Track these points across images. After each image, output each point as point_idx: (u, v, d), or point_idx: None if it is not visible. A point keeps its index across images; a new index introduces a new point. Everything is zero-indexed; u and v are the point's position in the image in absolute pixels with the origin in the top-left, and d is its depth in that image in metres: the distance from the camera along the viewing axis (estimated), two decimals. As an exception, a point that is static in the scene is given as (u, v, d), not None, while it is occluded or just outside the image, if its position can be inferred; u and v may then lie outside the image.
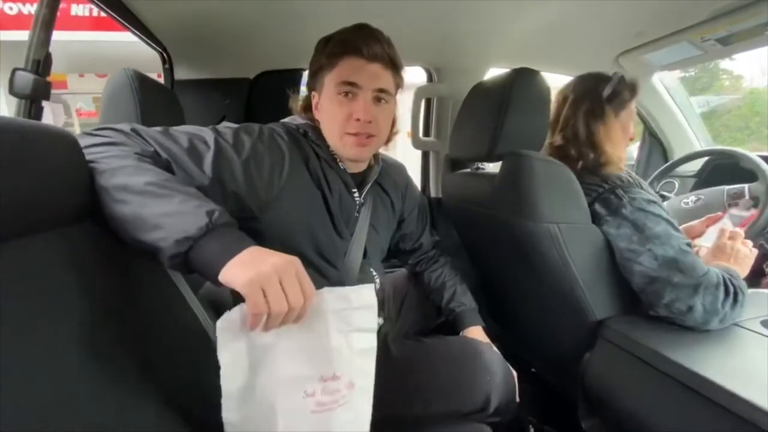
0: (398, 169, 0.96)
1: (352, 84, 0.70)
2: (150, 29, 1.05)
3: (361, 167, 0.83)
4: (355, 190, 0.81)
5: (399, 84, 0.77)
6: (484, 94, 0.93)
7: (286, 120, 0.81)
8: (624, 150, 0.88)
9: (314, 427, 0.47)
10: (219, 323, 0.43)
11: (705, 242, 0.99)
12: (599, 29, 1.13)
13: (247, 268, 0.44)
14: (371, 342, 0.51)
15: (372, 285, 0.51)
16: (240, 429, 0.45)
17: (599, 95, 0.88)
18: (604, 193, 0.82)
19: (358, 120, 0.70)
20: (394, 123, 0.82)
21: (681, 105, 1.58)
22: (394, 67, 0.74)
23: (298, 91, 1.40)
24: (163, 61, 1.19)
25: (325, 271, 0.77)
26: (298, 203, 0.71)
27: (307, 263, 0.74)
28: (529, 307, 0.98)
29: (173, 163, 0.58)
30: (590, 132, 0.88)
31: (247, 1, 0.99)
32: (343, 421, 0.48)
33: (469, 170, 1.13)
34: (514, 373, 0.79)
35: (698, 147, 1.63)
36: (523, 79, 0.84)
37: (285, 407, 0.44)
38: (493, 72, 1.37)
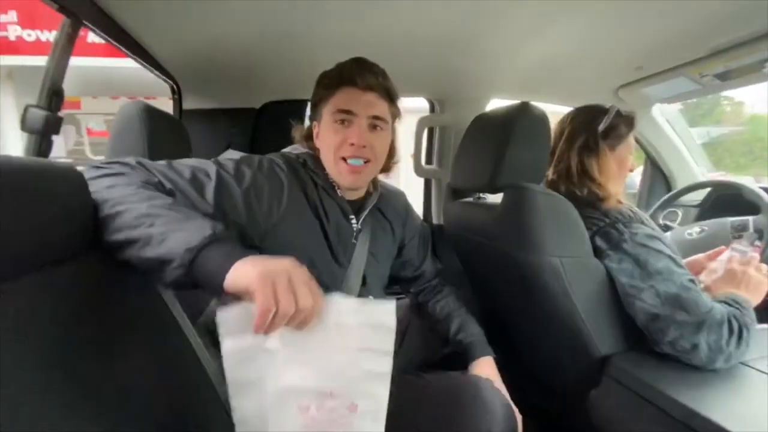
0: (398, 196, 0.98)
1: (347, 111, 0.74)
2: (160, 62, 1.09)
3: (359, 194, 0.85)
4: (352, 216, 0.82)
5: (395, 114, 0.81)
6: (486, 127, 0.94)
7: (286, 150, 0.85)
8: (621, 184, 0.88)
9: None
10: (220, 314, 0.42)
11: (708, 277, 0.97)
12: (599, 63, 1.15)
13: (257, 265, 0.44)
14: (385, 366, 0.46)
15: (394, 301, 0.49)
16: (242, 414, 0.43)
17: (594, 129, 0.88)
18: (604, 227, 0.82)
19: (353, 145, 0.74)
20: (392, 152, 0.85)
21: (681, 134, 1.59)
22: (389, 97, 0.78)
23: (302, 122, 1.44)
24: (173, 92, 1.23)
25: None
26: (297, 231, 0.73)
27: None
28: (533, 338, 0.96)
29: (177, 193, 0.60)
30: (584, 167, 0.88)
31: (254, 36, 1.03)
32: None
33: (470, 199, 1.13)
34: (518, 414, 0.76)
35: (699, 176, 1.63)
36: (525, 114, 0.85)
37: (276, 417, 0.41)
38: (495, 103, 1.40)
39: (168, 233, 0.48)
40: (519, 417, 0.77)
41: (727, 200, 1.46)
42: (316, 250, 0.76)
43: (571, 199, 0.83)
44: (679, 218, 1.57)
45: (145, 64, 1.05)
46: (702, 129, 1.83)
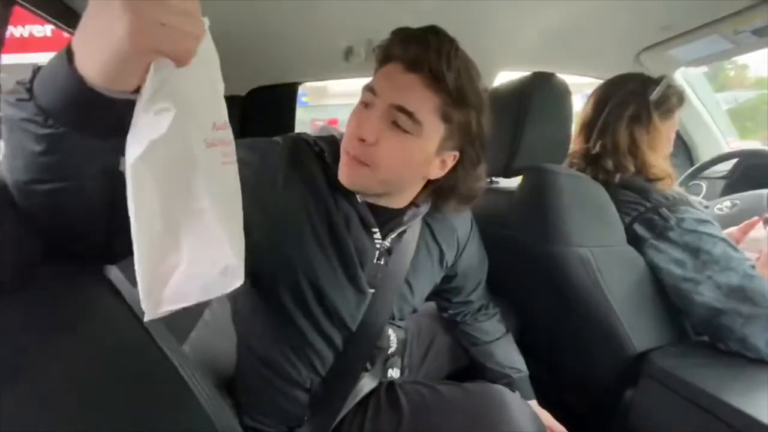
0: (464, 221, 0.75)
1: (370, 89, 0.55)
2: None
3: (392, 201, 0.63)
4: (375, 230, 0.63)
5: (447, 115, 0.54)
6: (498, 102, 0.83)
7: (316, 133, 0.67)
8: (669, 164, 0.78)
9: (229, 184, 0.37)
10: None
11: (748, 252, 0.88)
12: (620, 24, 1.03)
13: (115, 34, 0.27)
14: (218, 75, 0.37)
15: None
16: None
17: (646, 99, 0.78)
18: (645, 213, 0.72)
19: (353, 133, 0.54)
20: (456, 185, 0.61)
21: (705, 101, 1.47)
22: (442, 87, 0.52)
23: (294, 107, 1.34)
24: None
25: (331, 335, 0.63)
26: (295, 243, 0.58)
27: (313, 324, 0.62)
28: (560, 335, 0.87)
29: None
30: (633, 140, 0.78)
31: (235, 15, 0.92)
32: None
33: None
34: (556, 427, 0.68)
35: (725, 146, 1.52)
36: (543, 85, 0.76)
37: (200, 163, 0.33)
38: (503, 77, 1.28)
39: None
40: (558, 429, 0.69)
41: (756, 171, 1.35)
42: (321, 265, 0.59)
43: (608, 179, 0.74)
44: (704, 191, 1.46)
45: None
46: (729, 94, 1.70)
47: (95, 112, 0.30)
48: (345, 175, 0.56)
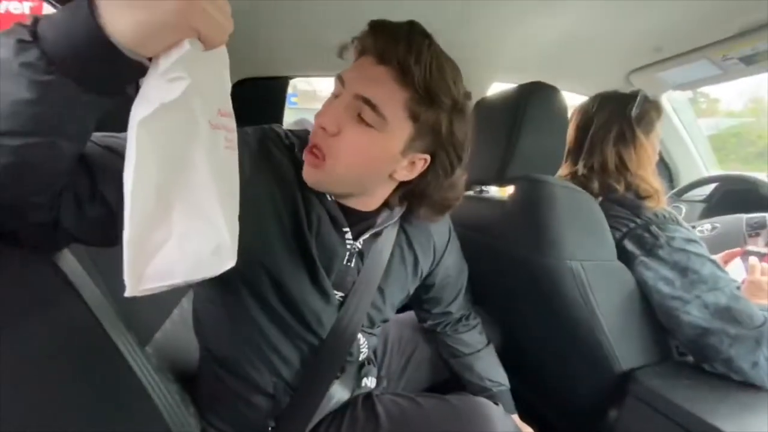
0: (442, 229, 0.73)
1: (339, 78, 0.53)
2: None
3: (363, 203, 0.60)
4: (346, 229, 0.60)
5: (415, 113, 0.51)
6: (493, 111, 0.83)
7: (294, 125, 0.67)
8: (657, 179, 0.78)
9: (229, 168, 0.38)
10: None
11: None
12: (613, 43, 1.04)
13: (162, 8, 0.30)
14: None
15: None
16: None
17: (628, 117, 0.78)
18: (635, 229, 0.71)
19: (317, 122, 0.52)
20: (424, 190, 0.58)
21: (688, 125, 1.51)
22: (411, 82, 0.49)
23: (283, 101, 1.30)
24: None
25: (299, 339, 0.60)
26: (258, 231, 0.53)
27: (277, 325, 0.58)
28: (544, 350, 0.85)
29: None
30: (621, 160, 0.78)
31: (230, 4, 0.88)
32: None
33: (472, 193, 1.02)
34: None
35: (704, 171, 1.56)
36: (539, 95, 0.74)
37: (203, 140, 0.34)
38: (496, 88, 1.28)
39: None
40: None
41: (735, 195, 1.38)
42: (285, 266, 0.55)
43: (602, 196, 0.73)
44: (683, 213, 1.49)
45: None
46: (710, 120, 1.75)
47: (107, 67, 0.31)
48: (305, 172, 0.54)
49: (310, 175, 0.53)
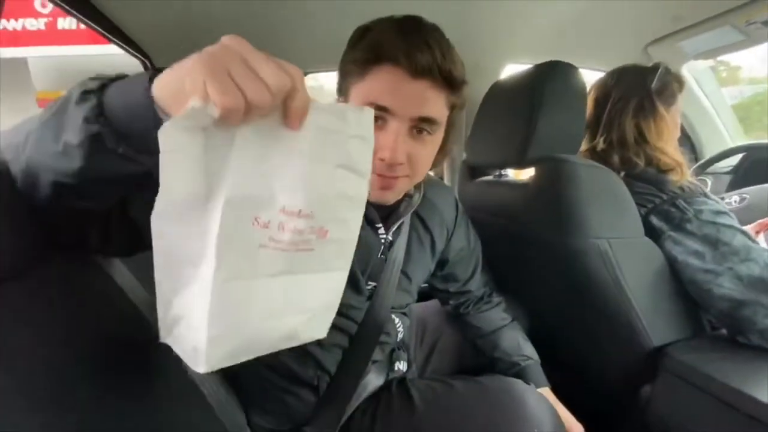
0: (447, 200, 0.76)
1: (384, 109, 0.50)
2: (132, 38, 0.95)
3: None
4: (379, 225, 0.63)
5: (455, 105, 0.56)
6: (509, 93, 0.82)
7: None
8: (678, 152, 0.77)
9: (265, 266, 0.33)
10: (163, 128, 0.26)
11: None
12: (630, 15, 1.02)
13: (186, 60, 0.27)
14: (360, 190, 0.36)
15: (371, 111, 0.35)
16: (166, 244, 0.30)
17: (647, 89, 0.77)
18: (661, 205, 0.70)
19: (383, 160, 0.51)
20: (443, 148, 0.60)
21: (711, 95, 1.46)
22: (450, 84, 0.52)
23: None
24: (145, 69, 1.09)
25: (339, 330, 0.63)
26: None
27: None
28: (572, 332, 0.86)
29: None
30: (640, 133, 0.77)
31: (231, 5, 0.90)
32: (303, 269, 0.36)
33: (491, 177, 1.02)
34: (571, 424, 0.66)
35: (729, 141, 1.51)
36: (558, 74, 0.73)
37: (226, 232, 0.30)
38: (510, 70, 1.26)
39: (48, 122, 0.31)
40: (577, 428, 0.67)
41: (765, 165, 1.34)
42: None
43: (623, 173, 0.73)
44: (709, 186, 1.45)
45: (115, 39, 0.92)
46: (733, 88, 1.68)
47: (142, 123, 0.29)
48: (377, 195, 0.56)
49: (382, 195, 0.56)
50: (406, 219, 0.66)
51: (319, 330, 0.40)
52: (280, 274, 0.34)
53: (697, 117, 1.47)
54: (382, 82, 0.50)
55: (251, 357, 0.34)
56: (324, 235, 0.35)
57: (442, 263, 0.78)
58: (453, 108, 0.56)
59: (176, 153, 0.27)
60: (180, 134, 0.27)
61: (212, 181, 0.29)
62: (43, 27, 2.46)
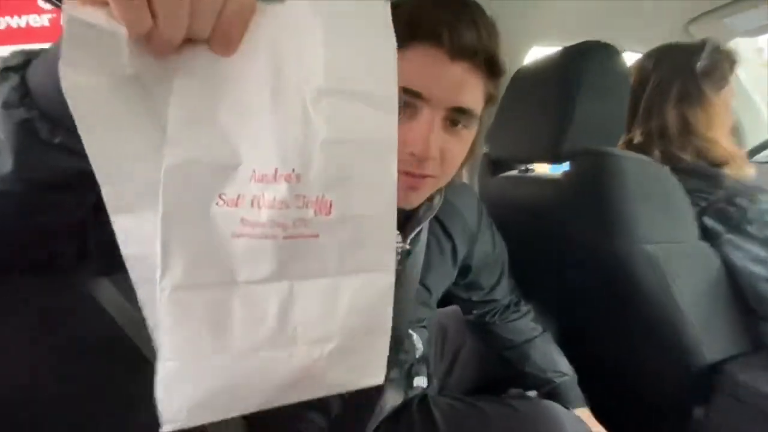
0: (470, 201, 0.68)
1: (416, 94, 0.41)
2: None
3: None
4: (397, 232, 0.56)
5: (491, 97, 0.47)
6: (538, 79, 0.74)
7: None
8: (732, 142, 0.68)
9: (245, 267, 0.24)
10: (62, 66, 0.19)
11: None
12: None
13: None
14: (381, 126, 0.24)
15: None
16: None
17: (693, 72, 0.68)
18: (717, 203, 0.62)
19: (413, 155, 0.42)
20: (472, 149, 0.51)
21: (756, 79, 1.33)
22: (490, 69, 0.44)
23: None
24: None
25: None
26: None
27: None
28: (611, 345, 0.77)
29: None
30: (686, 122, 0.68)
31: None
32: (305, 272, 0.25)
33: (516, 172, 0.93)
34: None
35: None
36: (597, 56, 0.65)
37: (170, 216, 0.22)
38: (535, 54, 1.16)
39: None
40: None
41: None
42: None
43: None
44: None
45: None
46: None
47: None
48: (404, 198, 0.47)
49: (407, 199, 0.47)
50: (425, 224, 0.59)
51: (365, 370, 0.27)
52: (272, 278, 0.24)
53: (739, 102, 1.34)
54: (416, 63, 0.41)
55: (241, 412, 0.25)
56: (327, 210, 0.24)
57: (464, 271, 0.70)
58: (488, 101, 0.47)
59: (93, 109, 0.20)
60: (91, 81, 0.19)
61: (154, 146, 0.22)
62: (47, 23, 2.43)
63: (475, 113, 0.45)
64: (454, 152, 0.46)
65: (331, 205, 0.24)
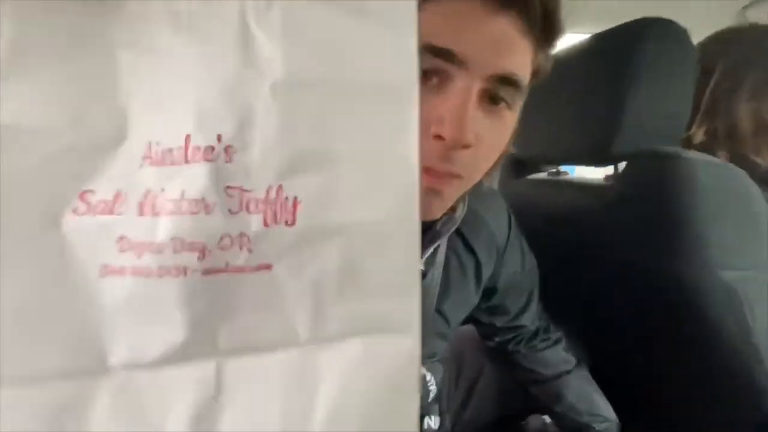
0: (498, 210, 0.58)
1: (446, 54, 0.29)
2: None
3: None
4: None
5: (539, 69, 0.35)
6: (583, 64, 0.62)
7: None
8: None
9: (105, 347, 0.14)
10: None
11: None
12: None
13: None
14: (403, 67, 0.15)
15: None
16: None
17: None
18: None
19: (441, 138, 0.29)
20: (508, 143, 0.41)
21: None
22: (547, 28, 0.32)
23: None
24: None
25: None
26: None
27: None
28: (663, 387, 0.65)
29: None
30: (761, 121, 0.57)
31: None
32: (245, 340, 0.15)
33: (545, 175, 0.81)
34: None
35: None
36: (659, 34, 0.53)
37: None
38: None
39: None
40: None
41: None
42: None
43: None
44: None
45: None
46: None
47: None
48: (436, 203, 0.34)
49: (432, 207, 0.34)
50: (444, 239, 0.47)
51: None
52: (178, 356, 0.14)
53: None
54: (448, 14, 0.29)
55: None
56: (288, 215, 0.14)
57: (488, 293, 0.58)
58: (534, 75, 0.34)
59: None
60: None
61: None
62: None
63: (522, 84, 0.32)
64: (492, 141, 0.33)
65: (295, 206, 0.14)
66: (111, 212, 0.13)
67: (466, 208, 0.47)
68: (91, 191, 0.13)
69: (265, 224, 0.14)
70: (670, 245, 0.48)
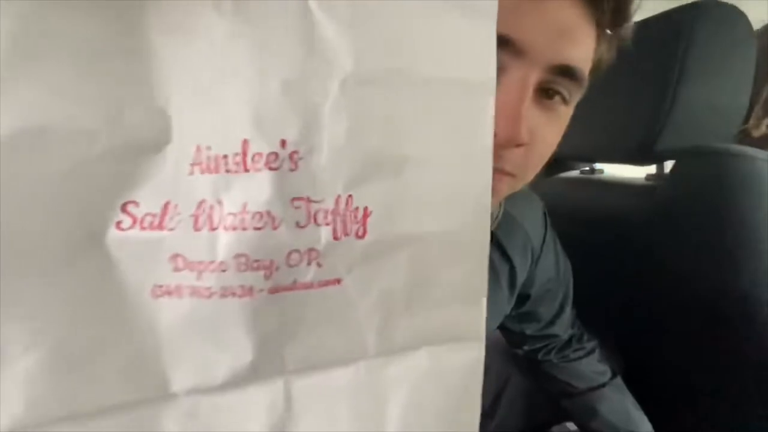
0: (534, 215, 0.54)
1: (502, 41, 0.23)
2: None
3: None
4: None
5: (601, 61, 0.31)
6: (626, 52, 0.56)
7: None
8: None
9: (166, 372, 0.13)
10: None
11: None
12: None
13: None
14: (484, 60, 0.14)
15: None
16: None
17: None
18: None
19: (494, 136, 0.22)
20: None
21: None
22: (614, 15, 0.28)
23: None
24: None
25: None
26: None
27: None
28: (709, 409, 0.60)
29: None
30: None
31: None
32: (316, 357, 0.15)
33: (578, 173, 0.76)
34: None
35: None
36: (713, 18, 0.48)
37: (18, 266, 0.11)
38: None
39: None
40: None
41: None
42: None
43: None
44: None
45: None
46: None
47: None
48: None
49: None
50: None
51: None
52: (246, 378, 0.13)
53: None
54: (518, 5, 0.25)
55: None
56: (359, 228, 0.13)
57: (521, 299, 0.54)
58: (594, 69, 0.30)
59: None
60: None
61: None
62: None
63: (582, 77, 0.28)
64: (546, 138, 0.29)
65: (365, 216, 0.13)
66: (161, 227, 0.12)
67: (502, 210, 0.44)
68: (134, 202, 0.12)
69: (335, 237, 0.13)
70: (728, 252, 0.43)
